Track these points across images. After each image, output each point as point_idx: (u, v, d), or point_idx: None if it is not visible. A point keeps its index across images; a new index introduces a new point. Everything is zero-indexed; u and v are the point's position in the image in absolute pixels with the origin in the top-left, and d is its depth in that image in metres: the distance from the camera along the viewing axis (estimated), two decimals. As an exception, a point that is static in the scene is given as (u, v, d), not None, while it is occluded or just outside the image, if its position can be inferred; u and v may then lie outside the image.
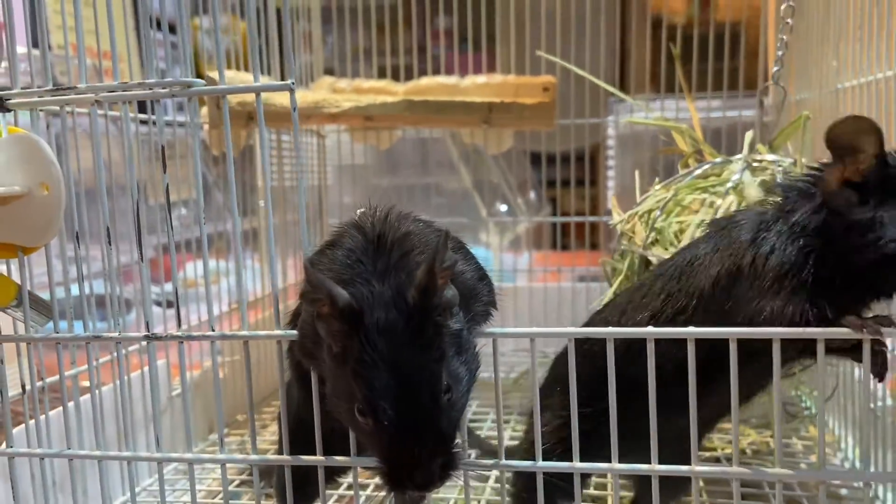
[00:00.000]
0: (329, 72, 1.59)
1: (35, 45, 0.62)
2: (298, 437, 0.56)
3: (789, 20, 0.72)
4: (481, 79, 1.18)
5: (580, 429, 0.51)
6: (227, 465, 0.59)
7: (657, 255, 0.69)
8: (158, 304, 1.21)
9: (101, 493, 0.62)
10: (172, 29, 0.66)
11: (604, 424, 0.51)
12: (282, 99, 0.95)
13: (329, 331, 0.45)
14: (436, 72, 1.27)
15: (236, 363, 1.01)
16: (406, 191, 1.96)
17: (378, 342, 0.43)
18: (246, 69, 1.23)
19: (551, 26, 1.22)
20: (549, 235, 1.72)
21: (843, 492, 0.77)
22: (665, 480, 0.53)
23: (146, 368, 0.83)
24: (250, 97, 0.95)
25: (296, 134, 0.49)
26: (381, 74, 1.28)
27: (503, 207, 1.73)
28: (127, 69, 1.13)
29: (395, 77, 1.28)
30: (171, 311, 1.14)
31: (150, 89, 0.50)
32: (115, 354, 0.62)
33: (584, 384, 0.51)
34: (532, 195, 2.19)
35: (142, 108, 0.82)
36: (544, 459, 0.53)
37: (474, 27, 1.21)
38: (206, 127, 0.92)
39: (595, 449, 0.53)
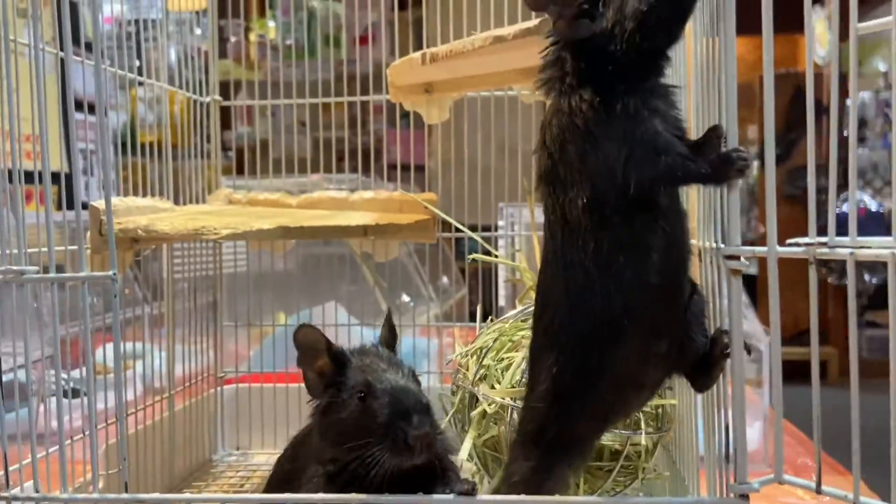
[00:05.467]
0: (264, 143, 1.64)
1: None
2: None
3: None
4: (368, 194, 1.26)
5: None
6: None
7: (484, 392, 0.77)
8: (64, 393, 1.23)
9: None
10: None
11: None
12: (164, 226, 1.00)
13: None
14: (379, 144, 1.34)
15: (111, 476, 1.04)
16: (322, 266, 2.00)
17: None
18: (182, 141, 1.28)
19: (486, 108, 1.30)
20: (467, 310, 1.76)
21: None
22: None
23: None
24: (133, 223, 1.01)
25: (115, 309, 0.55)
26: (315, 146, 1.35)
27: (406, 298, 1.80)
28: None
29: (328, 149, 1.35)
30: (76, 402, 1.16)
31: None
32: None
33: None
34: (444, 280, 2.27)
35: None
36: None
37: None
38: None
39: None
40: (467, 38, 0.96)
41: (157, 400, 1.20)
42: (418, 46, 1.27)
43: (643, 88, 0.55)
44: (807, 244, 0.45)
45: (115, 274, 0.53)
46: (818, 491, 0.46)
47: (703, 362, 0.56)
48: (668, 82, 0.57)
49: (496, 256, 1.01)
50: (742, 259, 0.49)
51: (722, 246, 0.50)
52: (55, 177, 1.02)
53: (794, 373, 0.53)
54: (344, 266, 1.76)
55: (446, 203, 1.30)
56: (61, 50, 0.66)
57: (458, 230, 1.15)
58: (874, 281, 4.01)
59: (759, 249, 0.48)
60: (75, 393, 1.22)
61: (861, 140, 4.65)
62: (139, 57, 1.19)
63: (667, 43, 0.56)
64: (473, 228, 1.44)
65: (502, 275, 1.48)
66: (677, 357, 0.57)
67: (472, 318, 1.48)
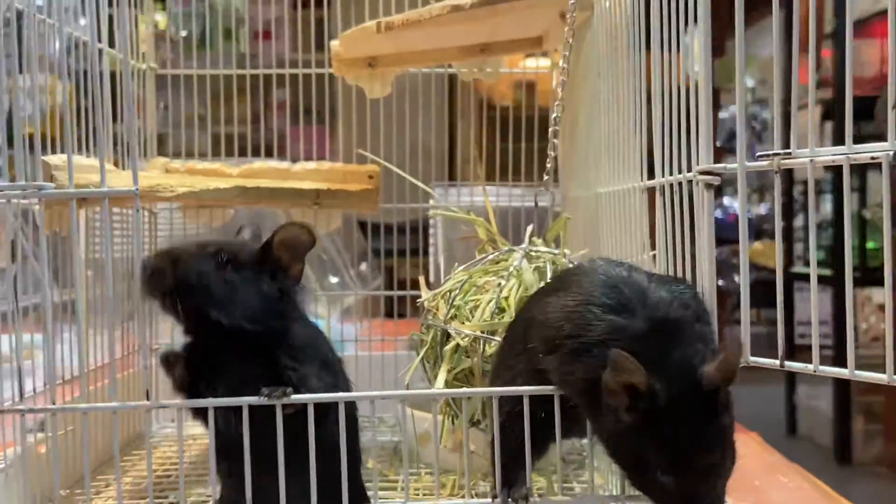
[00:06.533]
0: (161, 138, 1.61)
1: None
2: None
3: (556, 127, 0.89)
4: (311, 165, 1.28)
5: None
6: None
7: (455, 328, 0.82)
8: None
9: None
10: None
11: None
12: (115, 182, 0.99)
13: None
14: (277, 140, 1.34)
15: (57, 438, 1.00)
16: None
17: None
18: (60, 131, 1.23)
19: (388, 105, 1.32)
20: (384, 304, 1.79)
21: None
22: None
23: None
24: (84, 179, 0.99)
25: (138, 223, 0.56)
26: (216, 142, 1.34)
27: (334, 279, 1.82)
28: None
29: (230, 146, 1.34)
30: None
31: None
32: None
33: None
34: (363, 266, 2.30)
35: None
36: None
37: (312, 101, 1.29)
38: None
39: None
40: (424, 7, 1.02)
41: (91, 369, 1.16)
42: (320, 44, 1.29)
43: None
44: (773, 154, 0.53)
45: (137, 189, 0.55)
46: (781, 366, 0.54)
47: None
48: None
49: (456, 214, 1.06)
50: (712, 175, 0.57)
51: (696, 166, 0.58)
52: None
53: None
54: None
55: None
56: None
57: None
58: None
59: (731, 166, 0.57)
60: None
61: (730, 150, 5.07)
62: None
63: None
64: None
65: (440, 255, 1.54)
66: None
67: (389, 312, 1.49)
